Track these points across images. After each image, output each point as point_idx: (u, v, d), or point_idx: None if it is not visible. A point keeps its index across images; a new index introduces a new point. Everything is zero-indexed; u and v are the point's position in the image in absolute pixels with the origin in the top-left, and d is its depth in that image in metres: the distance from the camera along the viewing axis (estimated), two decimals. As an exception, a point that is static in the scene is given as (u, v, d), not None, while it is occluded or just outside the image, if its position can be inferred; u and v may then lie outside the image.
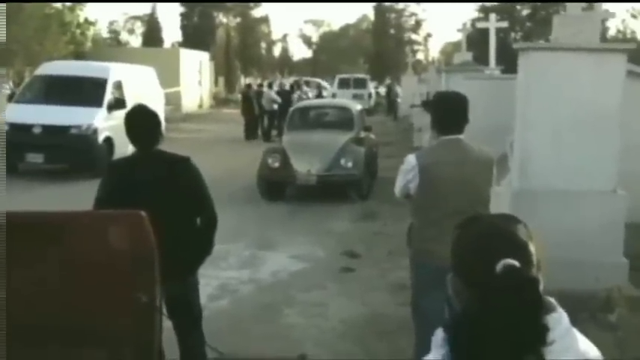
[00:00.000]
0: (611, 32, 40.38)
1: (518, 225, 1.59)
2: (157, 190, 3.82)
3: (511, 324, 1.41)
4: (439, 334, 1.57)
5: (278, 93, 24.93)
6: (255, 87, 26.34)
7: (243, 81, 54.61)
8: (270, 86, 26.32)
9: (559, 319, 1.50)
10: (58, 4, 32.90)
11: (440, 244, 3.81)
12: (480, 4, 42.69)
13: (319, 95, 30.71)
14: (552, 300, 1.53)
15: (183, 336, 4.10)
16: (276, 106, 22.93)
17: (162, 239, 3.22)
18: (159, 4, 66.55)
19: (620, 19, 41.42)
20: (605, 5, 14.09)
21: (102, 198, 3.90)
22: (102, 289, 3.15)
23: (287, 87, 27.80)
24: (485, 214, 2.54)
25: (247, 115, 23.40)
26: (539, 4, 41.42)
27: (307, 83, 33.00)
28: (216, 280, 7.15)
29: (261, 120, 23.86)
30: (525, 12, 43.12)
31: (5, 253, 3.05)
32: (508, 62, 15.72)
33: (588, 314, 5.30)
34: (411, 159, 4.15)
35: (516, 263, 1.46)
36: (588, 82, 6.34)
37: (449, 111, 4.17)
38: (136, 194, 3.75)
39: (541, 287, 1.48)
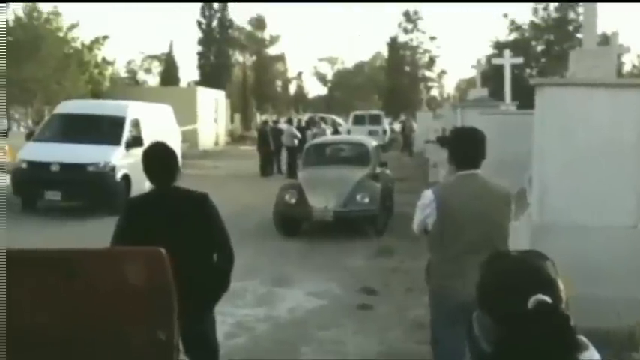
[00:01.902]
0: (627, 67, 40.44)
1: (546, 261, 1.57)
2: (175, 226, 3.83)
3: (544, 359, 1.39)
4: None
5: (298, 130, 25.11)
6: (270, 123, 26.51)
7: (259, 118, 55.03)
8: (289, 122, 26.41)
9: (591, 357, 1.48)
10: (77, 44, 33.44)
11: (459, 280, 3.79)
12: (495, 40, 42.89)
13: (336, 132, 30.70)
14: (584, 339, 1.50)
15: None
16: (296, 142, 22.99)
17: (180, 276, 3.22)
18: (175, 45, 67.40)
19: (635, 55, 41.51)
20: (621, 40, 14.13)
21: (120, 234, 3.92)
22: (120, 327, 3.14)
23: (302, 124, 27.97)
24: (510, 250, 2.51)
25: (263, 152, 23.50)
26: (553, 39, 41.59)
27: (322, 120, 33.10)
28: (233, 317, 7.11)
29: (276, 156, 23.94)
30: (540, 48, 43.27)
31: (18, 290, 3.06)
32: (523, 98, 15.73)
33: (612, 351, 5.20)
34: (428, 194, 4.14)
35: (548, 299, 1.44)
36: (605, 117, 6.32)
37: (466, 146, 4.16)
38: (154, 231, 3.76)
39: (572, 323, 1.45)
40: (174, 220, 3.88)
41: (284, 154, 23.64)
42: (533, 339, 1.40)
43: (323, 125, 29.73)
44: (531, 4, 42.85)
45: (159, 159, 4.03)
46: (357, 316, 7.41)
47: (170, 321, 3.13)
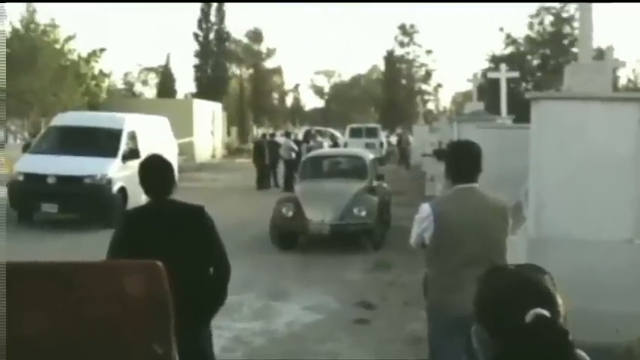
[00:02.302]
0: (622, 81, 40.60)
1: (544, 275, 1.57)
2: (171, 239, 3.82)
3: None
4: None
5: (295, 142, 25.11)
6: (267, 137, 26.52)
7: (256, 131, 55.10)
8: (287, 135, 26.42)
9: None
10: (74, 56, 33.48)
11: (457, 293, 3.79)
12: (491, 54, 43.06)
13: (335, 145, 30.58)
14: (583, 353, 1.50)
15: None
16: (294, 155, 22.96)
17: (176, 289, 3.20)
18: (172, 58, 67.40)
19: (630, 69, 41.69)
20: (616, 54, 14.21)
21: (116, 247, 3.91)
22: (117, 341, 3.12)
23: (299, 137, 28.02)
24: (508, 264, 2.51)
25: (259, 165, 23.53)
26: (549, 53, 41.77)
27: (320, 133, 33.15)
28: (230, 331, 7.08)
29: (272, 169, 23.92)
30: (535, 62, 43.45)
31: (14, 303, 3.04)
32: (519, 111, 15.80)
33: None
34: (425, 208, 4.14)
35: (546, 313, 1.44)
36: (601, 130, 6.34)
37: (463, 160, 4.17)
38: (150, 243, 3.75)
39: (571, 338, 1.45)
40: (170, 233, 3.87)
41: (281, 167, 23.62)
42: (531, 353, 1.39)
43: (319, 138, 29.59)
44: (527, 19, 43.06)
45: (155, 171, 4.02)
46: (354, 330, 7.39)
47: (167, 335, 3.11)
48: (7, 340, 2.97)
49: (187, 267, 3.71)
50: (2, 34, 20.64)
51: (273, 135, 28.06)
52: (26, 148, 16.03)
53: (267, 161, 23.37)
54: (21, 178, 14.25)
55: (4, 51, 21.63)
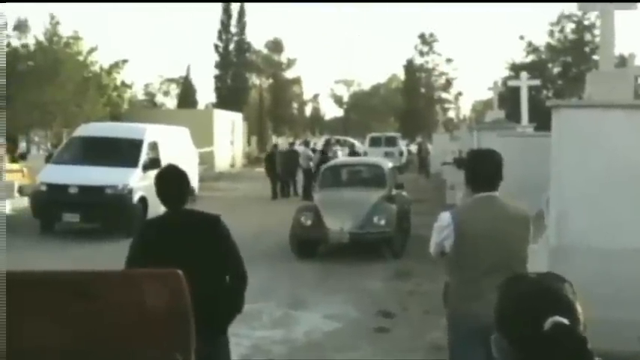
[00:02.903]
0: (644, 89, 40.15)
1: (564, 284, 1.56)
2: (188, 248, 3.84)
3: None
4: None
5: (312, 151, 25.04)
6: (286, 146, 26.54)
7: (275, 140, 55.28)
8: (306, 144, 26.41)
9: None
10: (96, 68, 33.86)
11: (477, 302, 3.77)
12: (511, 62, 42.89)
13: (352, 153, 30.08)
14: (602, 360, 1.49)
15: None
16: (312, 164, 22.95)
17: (193, 298, 3.22)
18: (193, 68, 68.04)
19: (652, 76, 41.22)
20: (638, 62, 14.09)
21: (133, 257, 3.94)
22: (137, 349, 3.14)
23: (318, 146, 28.00)
24: (528, 272, 2.50)
25: (271, 175, 23.49)
26: (570, 61, 41.51)
27: (339, 142, 33.13)
28: (249, 339, 7.09)
29: (291, 178, 23.87)
30: (556, 70, 43.20)
31: (34, 310, 3.07)
32: (540, 120, 15.71)
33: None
34: (445, 216, 4.13)
35: (565, 321, 1.44)
36: (623, 138, 6.29)
37: (483, 168, 4.15)
38: (166, 253, 3.78)
39: (590, 346, 1.44)
40: (186, 242, 3.89)
41: (300, 176, 23.63)
42: None
43: (335, 147, 29.31)
44: (548, 27, 42.86)
45: (171, 181, 4.06)
46: (374, 339, 7.37)
47: (187, 343, 3.12)
48: (24, 350, 3.00)
49: (204, 276, 3.73)
50: (2, 34, 20.89)
51: (292, 144, 28.11)
52: (49, 159, 16.23)
53: (279, 171, 23.23)
54: (44, 188, 14.41)
55: (4, 50, 21.87)
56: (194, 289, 3.22)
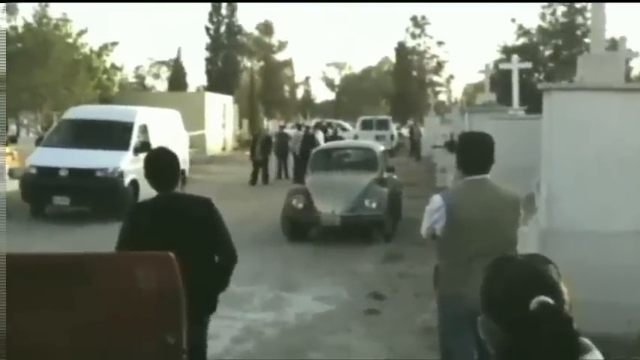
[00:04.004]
0: (635, 72, 40.30)
1: (548, 265, 1.58)
2: (177, 231, 3.85)
3: None
4: None
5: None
6: (262, 131, 26.14)
7: (266, 123, 55.11)
8: (298, 127, 26.19)
9: (595, 359, 1.48)
10: (86, 50, 33.63)
11: (467, 285, 3.78)
12: (502, 45, 42.86)
13: (333, 137, 25.89)
14: (588, 341, 1.50)
15: None
16: (296, 149, 22.69)
17: (185, 280, 3.24)
18: (184, 51, 67.67)
19: (643, 59, 41.32)
20: (629, 45, 14.10)
21: (124, 240, 3.94)
22: (128, 331, 3.15)
23: (310, 130, 27.77)
24: (514, 254, 2.52)
25: (252, 159, 22.83)
26: (561, 44, 41.54)
27: (330, 125, 32.94)
28: (241, 322, 7.12)
29: (283, 161, 23.74)
30: (548, 53, 43.22)
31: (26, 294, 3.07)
32: (531, 102, 15.74)
33: (622, 357, 5.18)
34: (437, 199, 4.14)
35: (550, 300, 1.45)
36: (613, 121, 6.31)
37: (475, 151, 4.16)
38: (157, 236, 3.79)
39: (575, 326, 1.46)
40: (177, 225, 3.90)
41: (291, 159, 23.51)
42: (536, 341, 1.40)
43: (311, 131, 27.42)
44: (539, 10, 42.83)
45: (160, 164, 4.05)
46: (365, 321, 7.41)
47: (179, 325, 3.14)
48: (17, 333, 3.00)
49: (194, 258, 3.75)
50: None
51: (283, 127, 27.98)
52: (39, 142, 16.13)
53: (259, 157, 22.51)
54: (33, 171, 14.35)
55: (4, 37, 21.70)
56: (185, 272, 3.23)
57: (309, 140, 22.08)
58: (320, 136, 24.33)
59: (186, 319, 3.25)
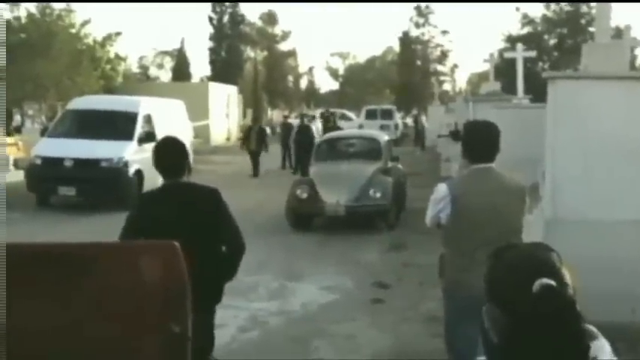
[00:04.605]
0: (640, 61, 40.09)
1: (550, 252, 1.59)
2: (184, 220, 3.87)
3: (553, 347, 1.39)
4: None
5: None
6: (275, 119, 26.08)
7: (270, 114, 55.05)
8: (302, 118, 26.09)
9: (602, 347, 1.48)
10: (90, 40, 33.57)
11: (472, 274, 3.78)
12: (507, 34, 42.66)
13: (331, 127, 25.13)
14: (594, 328, 1.51)
15: None
16: (291, 140, 22.47)
17: (191, 268, 3.25)
18: (187, 41, 67.53)
19: (648, 48, 41.11)
20: (634, 34, 14.03)
21: (130, 227, 3.96)
22: (134, 320, 3.16)
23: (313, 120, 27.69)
24: (517, 242, 2.53)
25: (248, 151, 22.25)
26: (566, 33, 41.34)
27: (333, 114, 32.86)
28: (246, 311, 7.14)
29: (286, 151, 23.55)
30: (552, 41, 43.02)
31: (32, 284, 3.08)
32: (536, 91, 15.68)
33: (626, 345, 5.18)
34: (442, 188, 4.13)
35: (552, 282, 1.46)
36: (618, 110, 6.29)
37: (480, 140, 4.15)
38: (163, 225, 3.81)
39: (578, 308, 1.46)
40: (184, 214, 3.92)
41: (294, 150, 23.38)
42: (540, 322, 1.41)
43: (313, 123, 26.97)
44: (544, -2, 42.55)
45: (169, 153, 4.07)
46: (370, 310, 7.43)
47: (184, 314, 3.14)
48: (20, 322, 3.02)
49: (201, 248, 3.77)
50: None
51: (286, 117, 27.91)
52: (44, 132, 16.15)
53: (253, 148, 21.95)
54: (38, 161, 14.38)
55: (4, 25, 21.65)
56: (192, 261, 3.25)
57: (303, 131, 21.59)
58: (316, 126, 24.01)
59: (193, 308, 3.26)
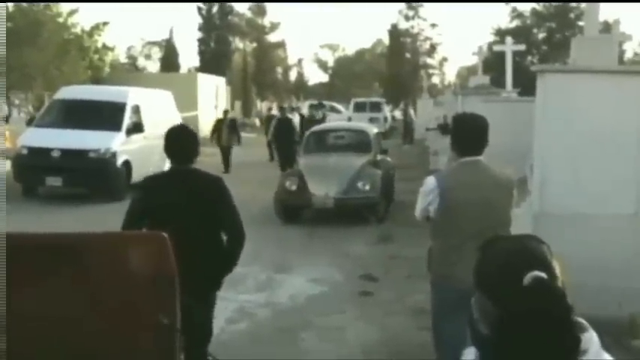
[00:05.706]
0: (629, 55, 40.35)
1: (541, 244, 1.59)
2: (188, 204, 3.93)
3: (544, 339, 1.39)
4: (470, 355, 1.55)
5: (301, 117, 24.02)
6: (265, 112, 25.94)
7: (260, 105, 54.87)
8: (281, 110, 25.83)
9: (591, 339, 1.49)
10: (77, 30, 33.33)
11: (460, 266, 3.79)
12: (496, 27, 42.76)
13: (313, 121, 23.28)
14: (584, 321, 1.51)
15: (191, 353, 4.09)
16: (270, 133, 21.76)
17: (190, 254, 3.28)
18: (176, 32, 67.19)
19: (637, 42, 41.39)
20: (622, 28, 14.09)
21: (134, 212, 3.99)
22: (122, 311, 3.15)
23: (302, 111, 27.63)
24: (507, 234, 2.53)
25: (219, 145, 21.28)
26: (555, 27, 41.47)
27: (322, 106, 32.81)
28: (235, 303, 7.13)
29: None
30: (541, 35, 43.15)
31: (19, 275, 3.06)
32: (524, 85, 15.73)
33: (612, 339, 5.22)
34: (430, 181, 4.14)
35: (544, 275, 1.46)
36: (606, 104, 6.31)
37: (469, 132, 4.16)
38: (166, 210, 3.88)
39: (569, 300, 1.46)
40: (187, 198, 4.00)
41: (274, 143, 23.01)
42: (530, 314, 1.41)
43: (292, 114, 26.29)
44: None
45: (181, 138, 4.16)
46: (358, 302, 7.44)
47: (173, 305, 3.14)
48: (8, 313, 3.00)
49: (202, 232, 3.83)
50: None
51: (270, 109, 27.77)
52: (30, 122, 16.03)
53: (224, 142, 21.11)
54: (25, 151, 14.27)
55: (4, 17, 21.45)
56: (192, 248, 3.28)
57: (283, 123, 19.88)
58: (297, 119, 23.32)
59: (194, 296, 3.28)
